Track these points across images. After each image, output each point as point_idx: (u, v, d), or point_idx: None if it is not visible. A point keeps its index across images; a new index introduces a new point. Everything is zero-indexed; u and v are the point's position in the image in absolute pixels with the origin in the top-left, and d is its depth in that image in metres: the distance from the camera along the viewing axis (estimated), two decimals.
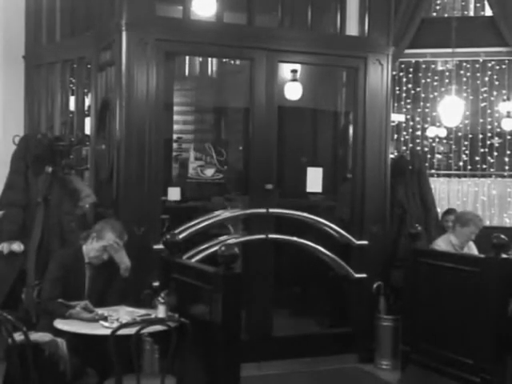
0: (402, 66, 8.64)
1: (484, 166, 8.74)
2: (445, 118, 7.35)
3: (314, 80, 7.45)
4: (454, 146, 9.00)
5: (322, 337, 6.11)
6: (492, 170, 8.71)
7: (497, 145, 8.78)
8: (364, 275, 6.00)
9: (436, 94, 8.70)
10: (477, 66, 8.56)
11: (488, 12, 8.47)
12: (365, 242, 6.03)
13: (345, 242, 6.05)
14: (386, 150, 6.19)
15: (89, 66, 6.14)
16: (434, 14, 8.92)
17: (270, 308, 5.85)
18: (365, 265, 6.01)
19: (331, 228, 5.99)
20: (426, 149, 9.00)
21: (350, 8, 6.31)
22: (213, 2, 5.89)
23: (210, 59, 8.33)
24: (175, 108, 7.94)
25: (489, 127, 8.71)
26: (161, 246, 4.89)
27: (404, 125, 8.93)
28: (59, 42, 6.47)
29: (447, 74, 8.64)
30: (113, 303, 4.23)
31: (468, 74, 8.60)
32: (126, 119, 5.27)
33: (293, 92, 6.96)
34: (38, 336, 3.78)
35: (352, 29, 6.36)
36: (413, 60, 8.61)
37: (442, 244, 5.69)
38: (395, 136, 8.72)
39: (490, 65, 8.55)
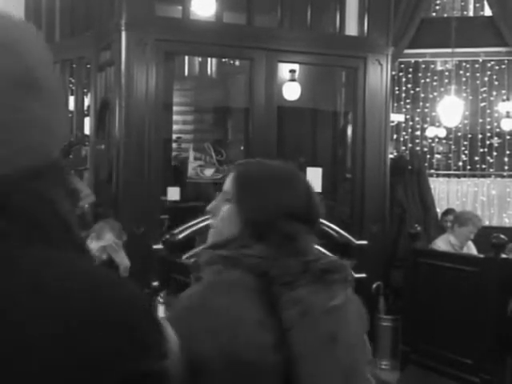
0: (402, 66, 8.64)
1: (483, 166, 8.74)
2: (444, 118, 7.36)
3: (314, 80, 7.45)
4: (453, 146, 9.00)
5: None
6: (491, 170, 8.71)
7: (496, 145, 8.78)
8: (363, 275, 6.00)
9: (435, 94, 8.71)
10: (476, 66, 8.56)
11: (488, 12, 8.47)
12: (364, 242, 6.03)
13: (344, 242, 6.04)
14: (385, 149, 6.19)
15: (88, 66, 6.14)
16: (434, 14, 8.93)
17: None
18: (364, 265, 6.00)
19: (331, 228, 5.99)
20: (426, 149, 9.00)
21: (350, 8, 6.31)
22: (212, 2, 5.89)
23: (209, 59, 8.33)
24: (175, 108, 7.95)
25: (488, 127, 8.72)
26: (160, 246, 4.89)
27: (403, 125, 8.93)
28: (59, 42, 6.46)
29: (447, 73, 8.64)
30: None
31: (467, 74, 8.60)
32: (126, 119, 5.27)
33: (291, 92, 6.97)
34: None
35: (351, 29, 6.36)
36: (412, 60, 8.61)
37: (441, 244, 5.69)
38: (395, 136, 8.72)
39: (489, 65, 8.55)
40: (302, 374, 1.31)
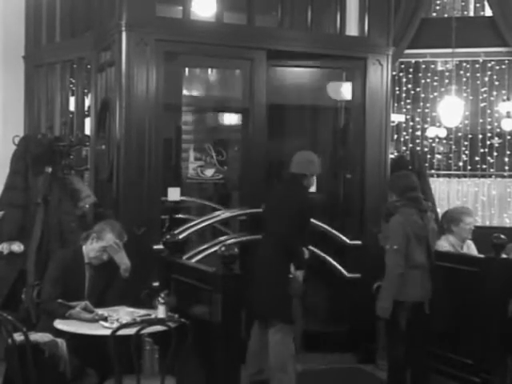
0: (402, 66, 8.65)
1: (484, 166, 8.75)
2: (445, 118, 7.36)
3: (314, 80, 7.43)
4: (453, 147, 9.01)
5: (322, 337, 6.10)
6: (492, 170, 8.72)
7: (497, 145, 8.79)
8: (358, 275, 6.00)
9: (436, 94, 8.71)
10: (477, 66, 8.56)
11: (488, 12, 8.48)
12: (364, 242, 6.03)
13: (344, 242, 6.05)
14: (385, 150, 6.19)
15: (89, 67, 6.15)
16: (434, 14, 8.93)
17: None
18: (365, 265, 6.01)
19: (324, 229, 5.99)
20: (426, 149, 9.01)
21: (350, 8, 6.31)
22: (213, 2, 5.89)
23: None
24: None
25: (489, 127, 8.72)
26: (161, 246, 4.89)
27: (404, 125, 8.94)
28: (59, 43, 6.48)
29: (447, 74, 8.65)
30: (113, 303, 4.23)
31: (468, 74, 8.61)
32: (126, 119, 5.28)
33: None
34: (37, 336, 3.78)
35: (352, 29, 6.36)
36: (413, 60, 8.61)
37: (446, 244, 5.65)
38: (395, 136, 8.73)
39: (489, 65, 8.55)
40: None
